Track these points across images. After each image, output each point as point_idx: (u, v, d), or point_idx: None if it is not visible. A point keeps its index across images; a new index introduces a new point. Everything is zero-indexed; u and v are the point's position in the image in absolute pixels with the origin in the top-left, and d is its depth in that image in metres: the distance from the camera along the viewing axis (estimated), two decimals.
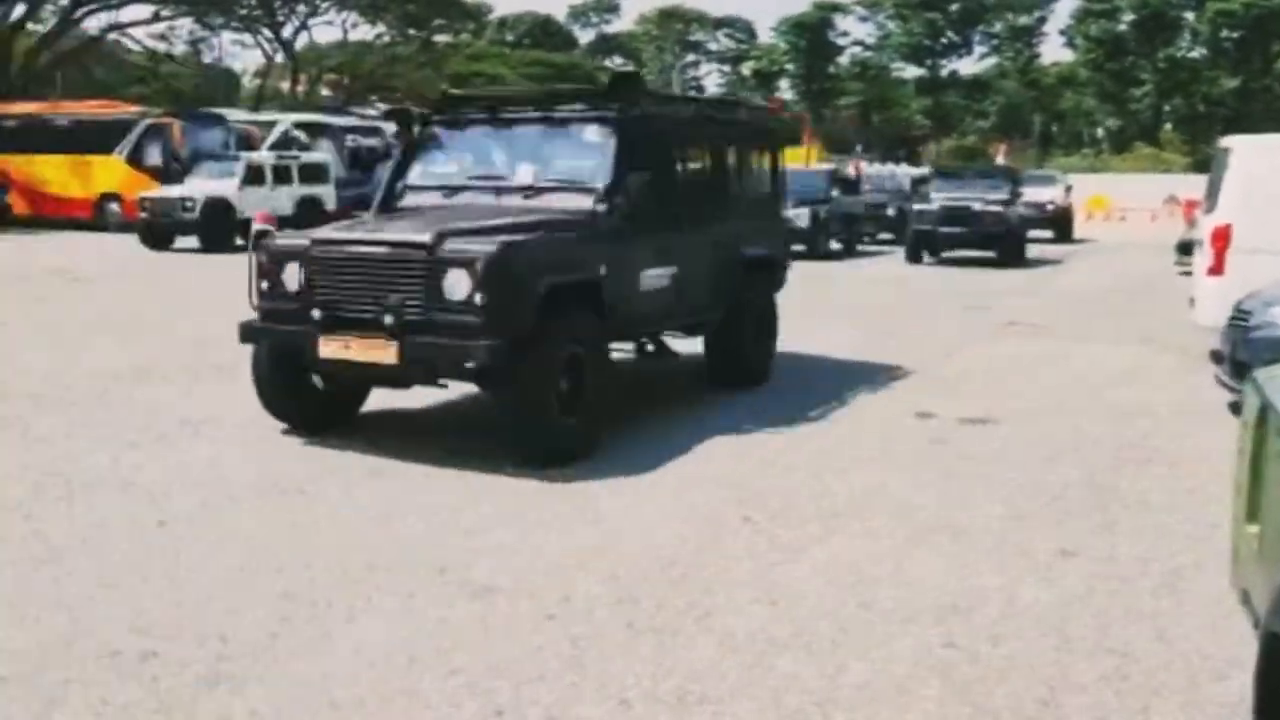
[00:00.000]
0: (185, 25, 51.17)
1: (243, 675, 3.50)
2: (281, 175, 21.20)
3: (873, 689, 3.48)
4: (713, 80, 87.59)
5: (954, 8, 74.85)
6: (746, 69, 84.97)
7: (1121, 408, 7.75)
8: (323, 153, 24.06)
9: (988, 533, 4.99)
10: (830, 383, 8.50)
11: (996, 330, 11.70)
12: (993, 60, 78.14)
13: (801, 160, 37.24)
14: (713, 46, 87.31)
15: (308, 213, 19.76)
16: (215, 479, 5.63)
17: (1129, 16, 68.86)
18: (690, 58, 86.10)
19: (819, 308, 12.54)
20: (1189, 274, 11.39)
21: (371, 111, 32.56)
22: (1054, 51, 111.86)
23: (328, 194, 22.06)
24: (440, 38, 56.25)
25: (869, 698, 3.42)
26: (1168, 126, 71.50)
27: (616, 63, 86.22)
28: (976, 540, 4.88)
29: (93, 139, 24.31)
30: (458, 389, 6.80)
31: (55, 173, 24.39)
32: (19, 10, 37.10)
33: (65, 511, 5.08)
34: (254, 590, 4.18)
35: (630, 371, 8.17)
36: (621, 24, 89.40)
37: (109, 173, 23.97)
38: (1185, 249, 15.80)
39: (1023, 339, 11.09)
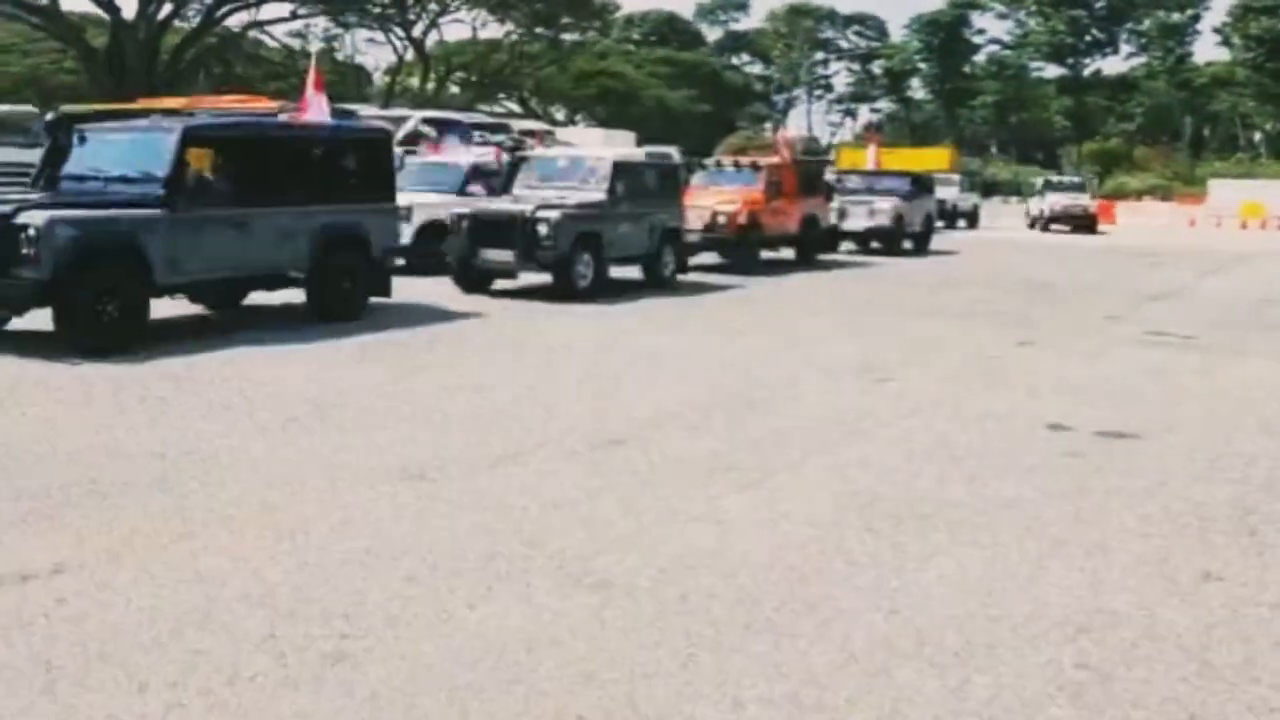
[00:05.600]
0: (320, 23, 53.33)
1: (365, 654, 3.58)
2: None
3: (998, 706, 3.35)
4: (842, 80, 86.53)
5: (1099, 4, 72.11)
6: (877, 67, 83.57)
7: (1276, 425, 7.31)
8: None
9: (1125, 551, 4.76)
10: (950, 390, 8.27)
11: (1137, 340, 11.19)
12: (1140, 59, 75.05)
13: (943, 162, 36.43)
14: (843, 44, 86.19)
15: None
16: (340, 465, 5.79)
17: None
18: (819, 55, 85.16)
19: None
20: None
21: (499, 109, 32.93)
22: (1207, 50, 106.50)
23: None
24: (567, 36, 56.93)
25: (994, 715, 3.30)
26: None
27: (744, 60, 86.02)
28: (1113, 558, 4.66)
29: None
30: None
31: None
32: (166, 9, 39.09)
33: (199, 488, 5.30)
34: (378, 573, 4.28)
35: None
36: (750, 21, 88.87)
37: None
38: None
39: (1167, 351, 10.58)
